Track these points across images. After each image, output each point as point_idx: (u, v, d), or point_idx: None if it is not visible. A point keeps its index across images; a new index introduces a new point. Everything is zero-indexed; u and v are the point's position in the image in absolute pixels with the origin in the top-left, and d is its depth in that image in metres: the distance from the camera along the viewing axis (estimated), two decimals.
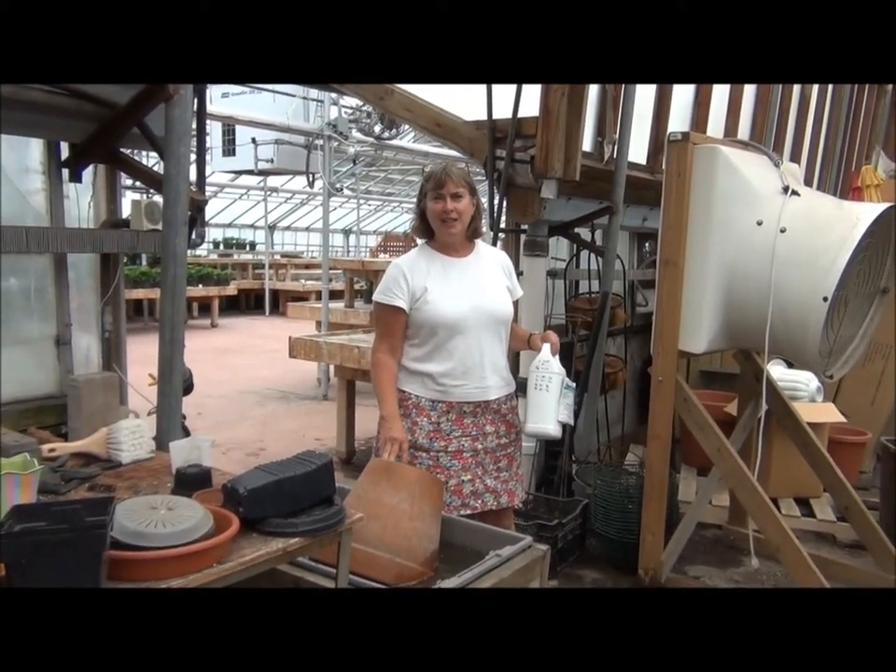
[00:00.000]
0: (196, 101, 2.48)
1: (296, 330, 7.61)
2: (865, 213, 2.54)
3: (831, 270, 2.46)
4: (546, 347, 2.29)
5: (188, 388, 2.48)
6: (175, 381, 2.00)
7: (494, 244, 3.53)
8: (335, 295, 8.46)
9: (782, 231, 2.58)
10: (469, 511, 2.28)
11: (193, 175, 2.45)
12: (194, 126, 2.32)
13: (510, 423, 2.39)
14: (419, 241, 2.47)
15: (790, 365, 3.98)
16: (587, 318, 3.85)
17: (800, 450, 3.20)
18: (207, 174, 13.81)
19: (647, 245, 5.36)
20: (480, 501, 2.30)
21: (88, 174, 2.70)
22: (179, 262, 1.99)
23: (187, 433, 2.20)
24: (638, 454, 4.32)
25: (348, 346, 4.43)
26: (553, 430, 2.21)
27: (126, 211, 2.97)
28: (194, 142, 2.49)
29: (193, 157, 2.20)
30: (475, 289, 2.28)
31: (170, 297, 1.98)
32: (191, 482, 1.57)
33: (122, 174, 2.87)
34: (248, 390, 7.17)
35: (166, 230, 1.98)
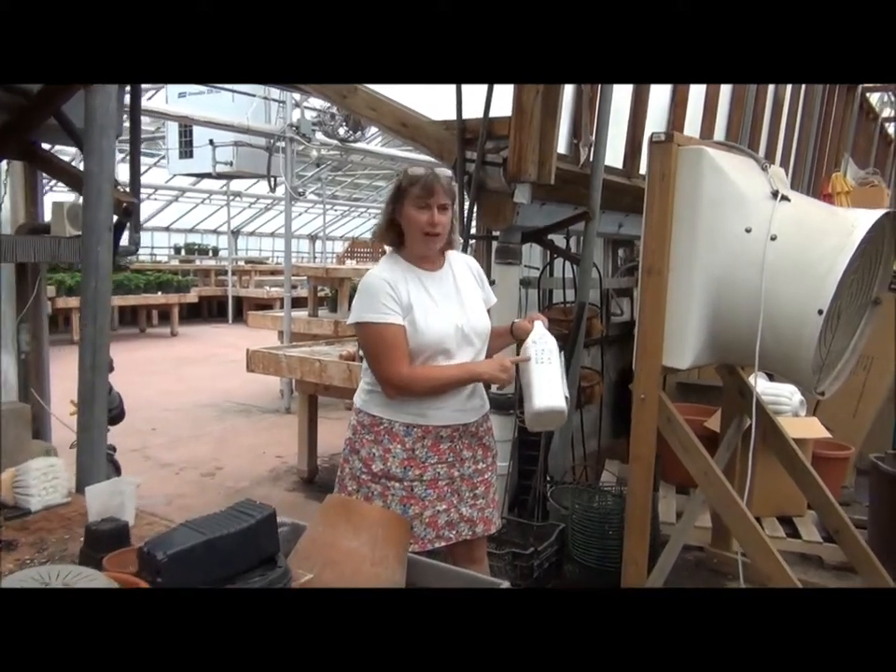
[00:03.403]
0: (131, 93, 2.24)
1: (259, 339, 7.40)
2: (861, 219, 2.39)
3: (826, 280, 2.31)
4: (539, 323, 2.13)
5: (117, 417, 2.23)
6: (97, 411, 1.74)
7: (465, 251, 3.34)
8: (299, 303, 8.23)
9: (773, 238, 2.42)
10: (443, 544, 2.12)
11: (127, 175, 2.18)
12: (127, 121, 2.07)
13: (486, 446, 2.23)
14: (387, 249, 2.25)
15: (771, 378, 3.84)
16: (562, 330, 3.64)
17: (786, 468, 3.05)
18: (167, 178, 13.41)
19: (621, 252, 5.27)
20: (455, 532, 2.14)
21: (1, 171, 2.39)
22: (102, 274, 1.72)
23: (116, 469, 1.95)
24: (615, 470, 4.17)
25: (309, 360, 4.21)
26: (564, 405, 2.01)
27: (49, 214, 2.64)
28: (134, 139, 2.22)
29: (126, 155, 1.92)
30: (456, 306, 2.10)
31: (91, 314, 1.70)
32: (104, 541, 1.32)
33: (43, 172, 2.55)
34: (207, 403, 6.92)
35: (87, 236, 1.71)
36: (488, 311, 2.23)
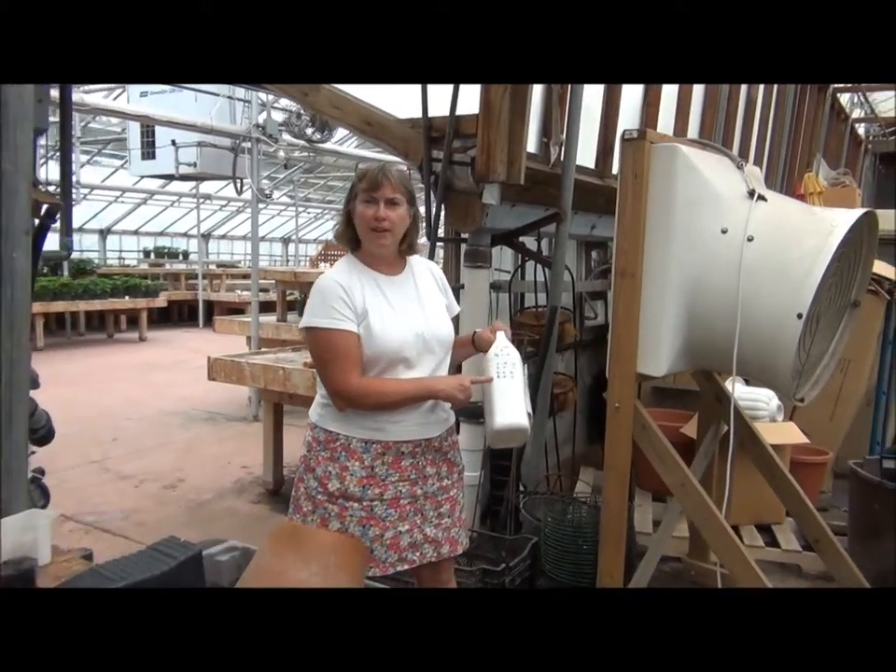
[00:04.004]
0: (60, 85, 2.08)
1: (229, 345, 7.24)
2: (840, 219, 2.31)
3: (805, 283, 2.22)
4: (501, 334, 2.04)
5: (45, 437, 2.06)
6: (16, 435, 1.57)
7: (431, 254, 3.23)
8: (270, 308, 8.06)
9: (749, 239, 2.33)
10: (406, 566, 2.01)
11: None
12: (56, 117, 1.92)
13: (451, 462, 2.11)
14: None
15: (748, 382, 3.77)
16: (534, 335, 3.61)
17: (764, 476, 2.97)
18: (135, 181, 13.22)
19: (595, 254, 5.19)
20: (419, 553, 2.02)
21: None
22: (20, 282, 1.56)
23: (45, 495, 1.79)
24: (590, 479, 4.07)
25: (272, 368, 4.07)
26: (527, 423, 1.91)
27: None
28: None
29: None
30: (417, 313, 2.00)
31: (7, 326, 1.53)
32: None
33: None
34: (172, 411, 6.74)
35: (1, 241, 1.55)
36: (452, 319, 2.13)
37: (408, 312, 1.98)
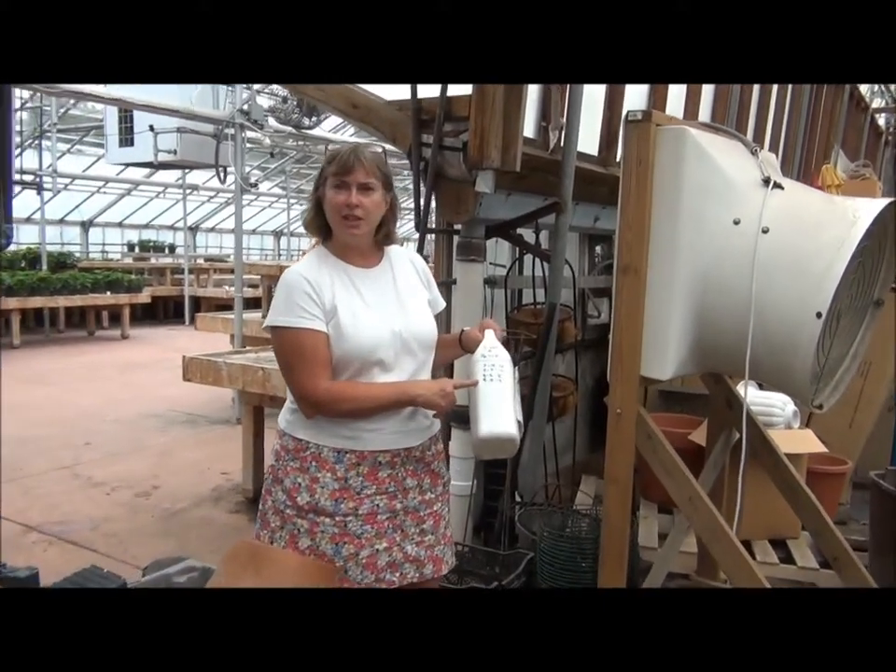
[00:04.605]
0: None
1: (214, 343, 7.18)
2: (863, 209, 2.22)
3: (825, 278, 2.13)
4: (490, 333, 1.95)
5: None
6: None
7: (421, 247, 3.15)
8: (257, 304, 7.99)
9: (764, 231, 2.24)
10: (384, 587, 1.92)
11: None
12: None
13: (435, 473, 2.03)
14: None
15: (761, 386, 3.68)
16: (531, 334, 3.52)
17: (779, 487, 2.89)
18: (119, 171, 13.20)
19: (598, 248, 5.13)
20: (398, 574, 1.93)
21: None
22: None
23: None
24: (591, 489, 3.98)
25: (251, 368, 4.00)
26: (516, 432, 1.82)
27: None
28: None
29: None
30: (395, 309, 1.92)
31: None
32: None
33: None
34: (151, 413, 6.70)
35: None
36: (440, 317, 2.06)
37: (384, 308, 1.90)
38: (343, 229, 1.87)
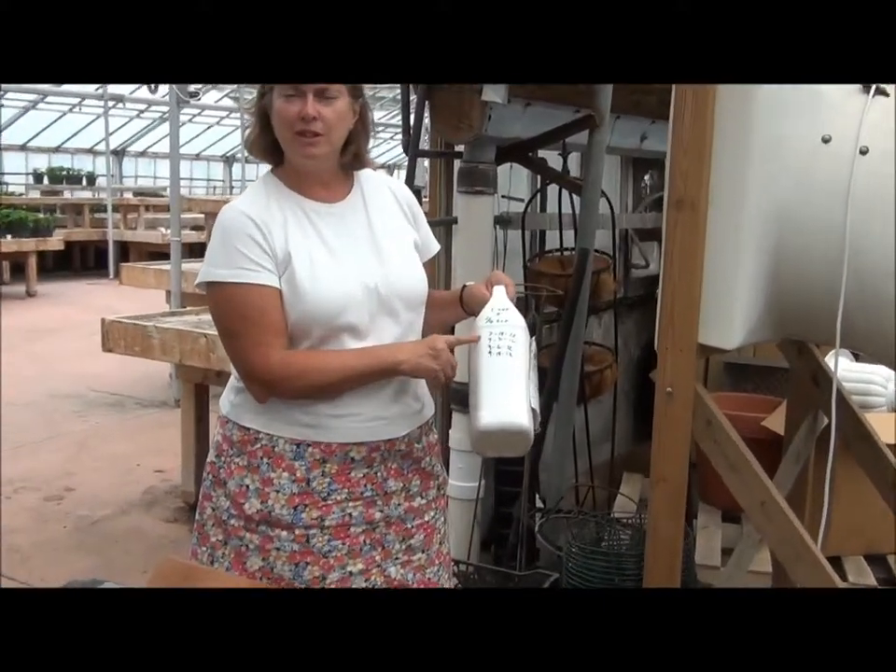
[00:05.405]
0: None
1: (151, 302, 7.21)
2: None
3: None
4: (500, 290, 1.96)
5: None
6: None
7: (411, 177, 3.18)
8: (198, 252, 8.02)
9: (863, 152, 2.25)
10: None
11: None
12: None
13: (427, 472, 2.07)
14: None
15: (857, 357, 3.75)
16: (556, 290, 3.54)
17: (878, 487, 2.95)
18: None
19: (646, 176, 5.19)
20: None
21: None
22: None
23: None
24: (634, 492, 4.04)
25: (191, 335, 4.05)
26: (527, 423, 1.81)
27: None
28: None
29: None
30: (369, 256, 1.94)
31: None
32: None
33: None
34: (66, 393, 6.82)
35: None
36: (430, 264, 2.12)
37: (354, 254, 1.91)
38: (297, 148, 1.87)
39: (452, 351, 1.90)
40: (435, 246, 2.13)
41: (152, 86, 6.80)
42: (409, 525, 2.01)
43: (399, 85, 3.31)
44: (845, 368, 3.67)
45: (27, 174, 17.48)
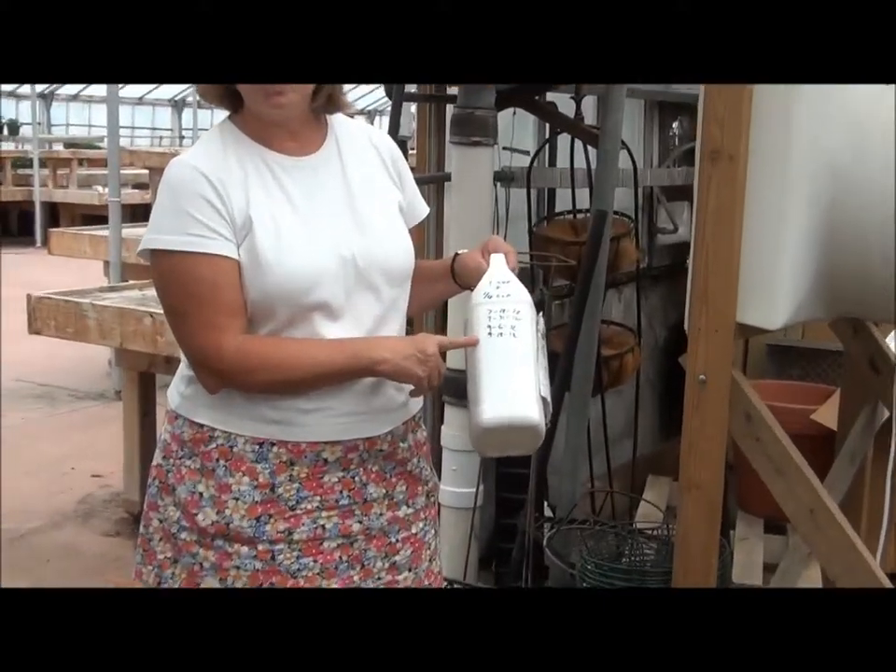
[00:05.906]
0: None
1: (86, 274, 7.17)
2: None
3: None
4: (499, 259, 1.97)
5: None
6: None
7: (394, 126, 3.19)
8: (141, 214, 8.02)
9: None
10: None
11: None
12: None
13: (414, 476, 2.09)
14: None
15: None
16: (568, 259, 3.59)
17: None
18: None
19: (676, 124, 5.21)
20: None
21: None
22: None
23: None
24: (661, 499, 4.07)
25: (135, 314, 4.07)
26: (537, 416, 1.82)
27: None
28: None
29: None
30: (344, 220, 1.95)
31: None
32: None
33: None
34: None
35: None
36: (418, 230, 2.14)
37: (328, 219, 1.92)
38: (260, 99, 1.86)
39: (443, 356, 1.91)
40: (424, 209, 2.14)
41: None
42: (393, 539, 2.03)
43: None
44: None
45: None
